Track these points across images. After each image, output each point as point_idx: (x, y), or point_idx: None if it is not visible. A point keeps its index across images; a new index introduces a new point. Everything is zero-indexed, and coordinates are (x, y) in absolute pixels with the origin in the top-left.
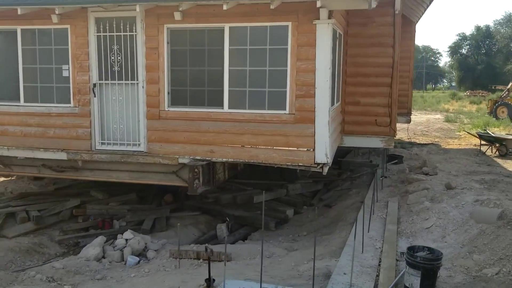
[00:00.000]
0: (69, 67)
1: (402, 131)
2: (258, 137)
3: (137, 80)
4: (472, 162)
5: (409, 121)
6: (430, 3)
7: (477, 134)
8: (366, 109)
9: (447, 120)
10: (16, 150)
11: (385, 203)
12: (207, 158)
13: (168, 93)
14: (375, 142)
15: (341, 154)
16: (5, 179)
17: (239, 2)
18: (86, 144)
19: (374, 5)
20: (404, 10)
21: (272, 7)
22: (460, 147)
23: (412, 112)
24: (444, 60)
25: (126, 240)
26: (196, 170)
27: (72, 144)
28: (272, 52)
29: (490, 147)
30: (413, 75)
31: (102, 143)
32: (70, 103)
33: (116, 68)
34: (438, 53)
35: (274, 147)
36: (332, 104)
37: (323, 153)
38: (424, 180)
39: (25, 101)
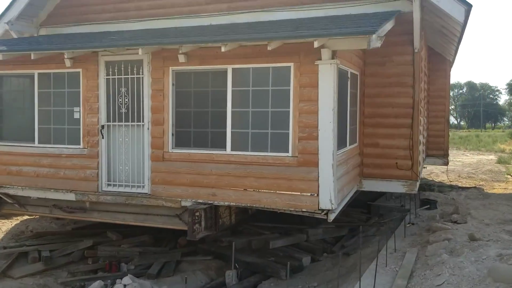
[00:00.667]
0: (80, 109)
1: (442, 174)
2: (260, 180)
3: (143, 121)
4: None
5: (446, 163)
6: (460, 40)
7: None
8: (386, 151)
9: (500, 161)
10: (30, 190)
11: (403, 254)
12: (209, 202)
13: (173, 134)
14: (396, 187)
15: (373, 198)
16: (29, 217)
17: (239, 43)
18: (93, 186)
19: (376, 44)
20: (436, 47)
21: (269, 48)
22: (505, 191)
23: (449, 153)
24: (504, 98)
25: (124, 286)
26: (197, 214)
27: (81, 185)
28: (274, 93)
29: None
30: (449, 115)
31: (108, 185)
32: (80, 144)
33: (123, 110)
34: (497, 90)
35: (277, 191)
36: (341, 146)
37: (327, 198)
38: (449, 229)
39: (39, 142)
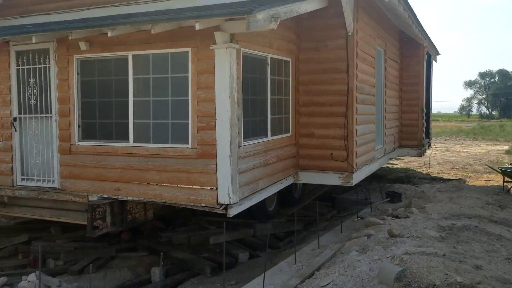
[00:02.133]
0: None
1: (436, 166)
2: (162, 173)
3: (51, 113)
4: (482, 202)
5: (420, 154)
6: (417, 21)
7: (500, 170)
8: (321, 141)
9: (509, 152)
10: None
11: (324, 250)
12: (113, 196)
13: (79, 126)
14: (332, 179)
15: (343, 190)
16: None
17: (128, 30)
18: (9, 180)
19: (266, 26)
20: (407, 31)
21: (152, 32)
22: (488, 183)
23: (430, 143)
24: None
25: (29, 282)
26: (99, 209)
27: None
28: (174, 80)
29: None
30: (423, 103)
31: (22, 179)
32: None
33: (32, 101)
34: None
35: (179, 185)
36: (255, 136)
37: (226, 192)
38: (381, 225)
39: None
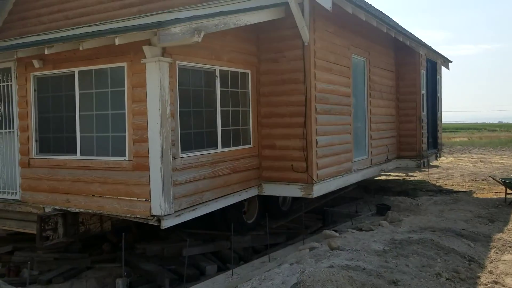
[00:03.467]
0: None
1: (457, 177)
2: (104, 186)
3: (13, 128)
4: (472, 215)
5: (419, 166)
6: (388, 25)
7: (501, 181)
8: (283, 153)
9: None
10: None
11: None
12: (63, 208)
13: (36, 140)
14: (294, 191)
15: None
16: None
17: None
18: None
19: (182, 41)
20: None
21: (81, 48)
22: (494, 196)
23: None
24: None
25: None
26: (49, 220)
27: None
28: (113, 94)
29: None
30: (420, 112)
31: None
32: None
33: (1, 118)
34: None
35: (118, 197)
36: (194, 148)
37: (158, 204)
38: (335, 238)
39: None
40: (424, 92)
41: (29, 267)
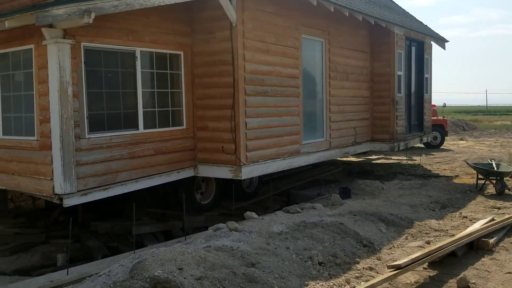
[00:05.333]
0: None
1: (445, 160)
2: (20, 164)
3: None
4: (427, 200)
5: (393, 149)
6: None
7: (473, 165)
8: (214, 134)
9: None
10: None
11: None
12: None
13: None
14: (224, 172)
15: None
16: None
17: None
18: None
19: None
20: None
21: None
22: (470, 182)
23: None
24: None
25: None
26: None
27: None
28: (25, 76)
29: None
30: (394, 95)
31: None
32: None
33: None
34: None
35: (32, 176)
36: (107, 129)
37: (58, 183)
38: (253, 219)
39: None
40: (401, 73)
41: None
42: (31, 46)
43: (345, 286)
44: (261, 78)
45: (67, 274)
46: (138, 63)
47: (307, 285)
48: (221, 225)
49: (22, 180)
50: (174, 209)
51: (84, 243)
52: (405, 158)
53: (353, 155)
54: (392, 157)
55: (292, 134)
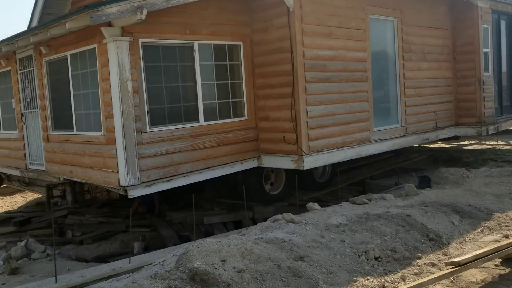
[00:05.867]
0: (13, 101)
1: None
2: (91, 158)
3: (37, 108)
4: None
5: (480, 133)
6: None
7: None
8: (275, 124)
9: None
10: None
11: None
12: (69, 178)
13: (52, 118)
14: (287, 163)
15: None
16: None
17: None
18: (23, 163)
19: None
20: None
21: (49, 34)
22: None
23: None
24: None
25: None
26: (56, 189)
27: (17, 163)
28: (92, 74)
29: None
30: (480, 74)
31: (31, 163)
32: (15, 129)
33: (28, 99)
34: None
35: (101, 169)
36: (168, 122)
37: (123, 175)
38: (315, 210)
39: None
40: (488, 50)
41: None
42: (95, 45)
43: (399, 283)
44: (323, 63)
45: (129, 263)
46: (197, 56)
47: (355, 281)
48: (278, 216)
49: (93, 173)
50: (245, 200)
51: (159, 232)
52: (502, 143)
53: (442, 141)
54: (487, 142)
55: (360, 121)
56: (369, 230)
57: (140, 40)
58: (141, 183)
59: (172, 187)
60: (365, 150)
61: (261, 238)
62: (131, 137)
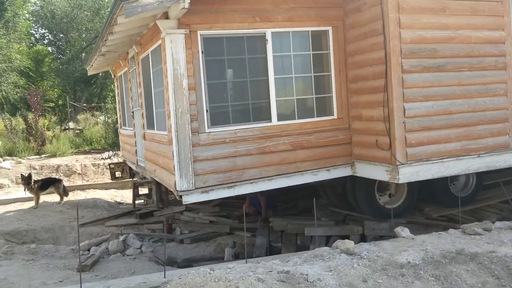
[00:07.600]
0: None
1: None
2: (162, 158)
3: (139, 106)
4: None
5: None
6: None
7: None
8: (368, 125)
9: None
10: None
11: None
12: (154, 177)
13: (145, 117)
14: (381, 173)
15: None
16: None
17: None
18: (135, 159)
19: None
20: None
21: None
22: None
23: None
24: None
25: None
26: (143, 187)
27: (133, 158)
28: (161, 72)
29: None
30: None
31: (139, 160)
32: (131, 126)
33: (136, 98)
34: None
35: (167, 169)
36: (233, 122)
37: (178, 179)
38: (399, 239)
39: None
40: None
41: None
42: (159, 41)
43: None
44: (432, 48)
45: (164, 277)
46: (269, 47)
47: None
48: (338, 242)
49: (162, 173)
50: (356, 212)
51: (253, 241)
52: None
53: None
54: None
55: (493, 122)
56: (441, 278)
57: (199, 32)
58: (196, 188)
59: (235, 194)
60: (501, 160)
61: (271, 271)
62: (185, 138)
